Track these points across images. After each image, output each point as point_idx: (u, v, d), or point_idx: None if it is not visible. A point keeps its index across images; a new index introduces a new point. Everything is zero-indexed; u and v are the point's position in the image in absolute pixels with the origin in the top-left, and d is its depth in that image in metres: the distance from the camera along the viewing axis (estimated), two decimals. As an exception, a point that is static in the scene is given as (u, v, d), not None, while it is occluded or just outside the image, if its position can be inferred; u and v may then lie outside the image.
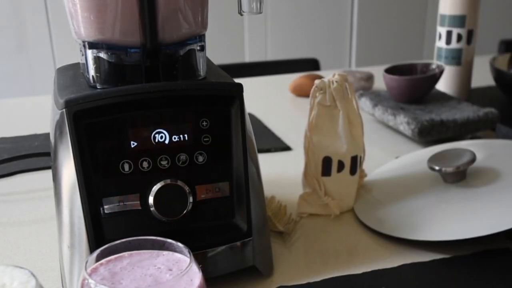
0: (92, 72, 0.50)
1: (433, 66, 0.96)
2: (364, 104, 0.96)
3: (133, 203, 0.49)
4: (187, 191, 0.49)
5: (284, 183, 0.73)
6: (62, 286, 0.51)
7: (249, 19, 2.25)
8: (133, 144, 0.48)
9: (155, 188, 0.48)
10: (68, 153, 0.47)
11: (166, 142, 0.49)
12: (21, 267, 0.35)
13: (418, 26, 2.49)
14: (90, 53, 0.50)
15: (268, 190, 0.67)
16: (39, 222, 0.66)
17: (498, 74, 1.07)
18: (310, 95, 0.65)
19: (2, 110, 1.11)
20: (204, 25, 0.53)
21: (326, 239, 0.62)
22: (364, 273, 0.55)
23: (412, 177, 0.70)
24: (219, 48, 2.20)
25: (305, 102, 0.71)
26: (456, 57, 1.03)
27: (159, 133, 0.49)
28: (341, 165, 0.64)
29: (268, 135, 0.92)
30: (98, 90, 0.49)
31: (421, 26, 2.50)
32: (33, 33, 2.07)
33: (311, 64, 1.61)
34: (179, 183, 0.49)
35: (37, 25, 2.07)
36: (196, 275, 0.36)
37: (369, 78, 1.13)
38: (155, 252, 0.39)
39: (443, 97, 0.95)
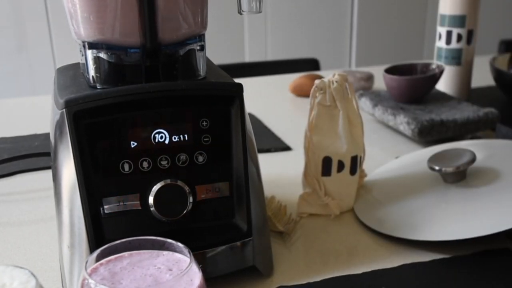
0: (92, 72, 0.50)
1: (433, 66, 0.96)
2: (364, 104, 0.96)
3: (133, 203, 0.49)
4: (187, 191, 0.49)
5: (284, 183, 0.73)
6: (62, 286, 0.51)
7: (249, 19, 2.25)
8: (133, 144, 0.48)
9: (155, 188, 0.48)
10: (68, 153, 0.47)
11: (166, 142, 0.49)
12: (21, 267, 0.35)
13: (418, 26, 2.49)
14: (90, 53, 0.50)
15: (268, 190, 0.67)
16: (39, 222, 0.66)
17: (498, 74, 1.07)
18: (310, 95, 0.65)
19: (2, 110, 1.11)
20: (204, 25, 0.53)
21: (326, 239, 0.62)
22: (364, 273, 0.55)
23: (412, 177, 0.70)
24: (219, 48, 2.20)
25: (305, 102, 0.71)
26: (456, 57, 1.03)
27: (159, 133, 0.49)
28: (341, 165, 0.64)
29: (268, 135, 0.92)
30: (98, 90, 0.49)
31: (421, 26, 2.50)
32: (33, 33, 2.07)
33: (311, 64, 1.61)
34: (179, 183, 0.49)
35: (37, 25, 2.07)
36: (196, 275, 0.36)
37: (369, 78, 1.13)
38: (155, 252, 0.39)
39: (443, 97, 0.95)
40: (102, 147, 0.47)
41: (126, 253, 0.39)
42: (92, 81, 0.50)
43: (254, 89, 1.19)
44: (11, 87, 2.09)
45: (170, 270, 0.37)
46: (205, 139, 0.50)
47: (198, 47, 0.52)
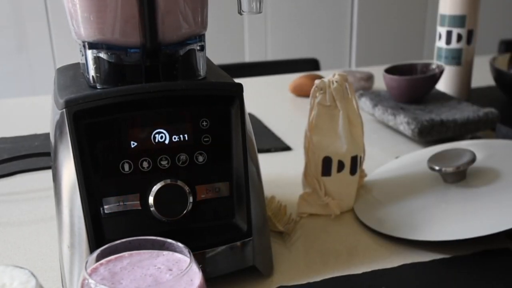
0: (92, 72, 0.50)
1: (433, 66, 0.96)
2: (364, 104, 0.96)
3: (133, 203, 0.49)
4: (187, 191, 0.49)
5: (284, 183, 0.73)
6: (62, 286, 0.51)
7: (249, 19, 2.25)
8: (133, 144, 0.48)
9: (155, 188, 0.48)
10: (68, 153, 0.47)
11: (166, 142, 0.49)
12: (21, 267, 0.35)
13: (418, 26, 2.49)
14: (90, 53, 0.50)
15: (268, 190, 0.67)
16: (39, 222, 0.66)
17: (498, 74, 1.07)
18: (310, 95, 0.65)
19: (2, 110, 1.11)
20: (204, 25, 0.53)
21: (326, 239, 0.62)
22: (364, 273, 0.55)
23: (412, 177, 0.70)
24: (219, 48, 2.20)
25: (305, 102, 0.71)
26: (456, 57, 1.03)
27: (159, 133, 0.49)
28: (341, 165, 0.64)
29: (268, 135, 0.92)
30: (98, 90, 0.49)
31: (421, 26, 2.50)
32: (33, 33, 2.07)
33: (311, 64, 1.61)
34: (179, 183, 0.49)
35: (37, 25, 2.07)
36: (196, 275, 0.36)
37: (369, 78, 1.13)
38: (155, 252, 0.39)
39: (443, 97, 0.95)
40: (102, 147, 0.47)
41: (126, 253, 0.39)
42: (92, 81, 0.50)
43: (254, 89, 1.19)
44: (11, 87, 2.09)
45: (170, 270, 0.37)
46: (205, 139, 0.50)
47: (198, 47, 0.52)
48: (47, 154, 0.77)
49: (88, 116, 0.46)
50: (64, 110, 0.46)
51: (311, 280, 0.54)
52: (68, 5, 0.50)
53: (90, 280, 0.35)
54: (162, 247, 0.39)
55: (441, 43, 1.04)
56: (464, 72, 1.04)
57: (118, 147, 0.48)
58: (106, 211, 0.48)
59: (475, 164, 0.64)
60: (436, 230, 0.58)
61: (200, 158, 0.50)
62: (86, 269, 0.36)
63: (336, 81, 0.64)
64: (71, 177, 0.47)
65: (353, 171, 0.65)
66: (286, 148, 0.87)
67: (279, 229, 0.62)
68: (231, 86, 0.51)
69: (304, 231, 0.63)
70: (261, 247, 0.54)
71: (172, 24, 0.49)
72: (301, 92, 1.14)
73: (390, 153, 0.83)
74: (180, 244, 0.38)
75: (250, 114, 0.92)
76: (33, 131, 0.95)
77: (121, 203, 0.48)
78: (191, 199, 0.50)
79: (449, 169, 0.64)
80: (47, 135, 0.84)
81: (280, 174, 0.77)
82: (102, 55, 0.49)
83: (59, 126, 0.47)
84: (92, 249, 0.47)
